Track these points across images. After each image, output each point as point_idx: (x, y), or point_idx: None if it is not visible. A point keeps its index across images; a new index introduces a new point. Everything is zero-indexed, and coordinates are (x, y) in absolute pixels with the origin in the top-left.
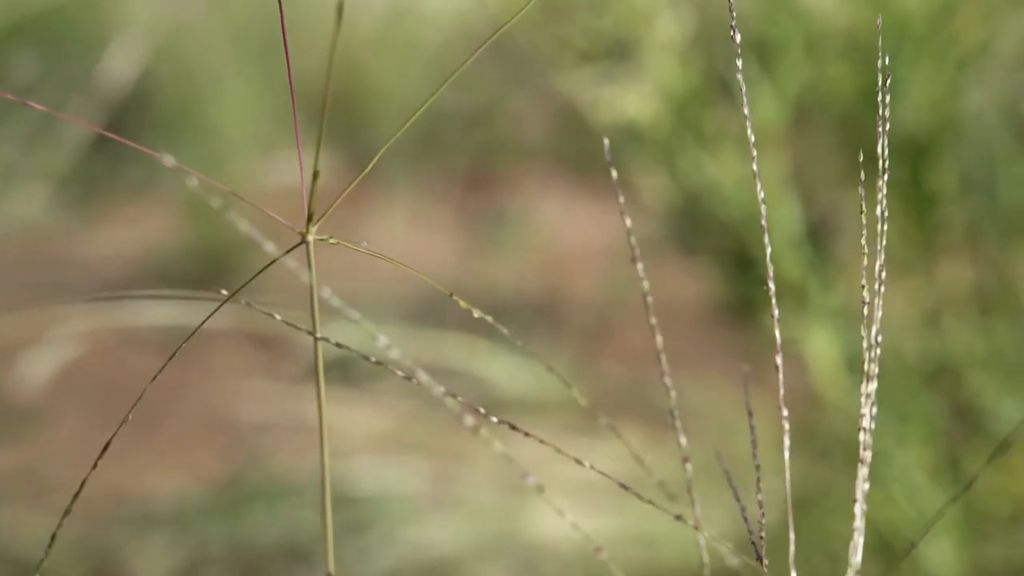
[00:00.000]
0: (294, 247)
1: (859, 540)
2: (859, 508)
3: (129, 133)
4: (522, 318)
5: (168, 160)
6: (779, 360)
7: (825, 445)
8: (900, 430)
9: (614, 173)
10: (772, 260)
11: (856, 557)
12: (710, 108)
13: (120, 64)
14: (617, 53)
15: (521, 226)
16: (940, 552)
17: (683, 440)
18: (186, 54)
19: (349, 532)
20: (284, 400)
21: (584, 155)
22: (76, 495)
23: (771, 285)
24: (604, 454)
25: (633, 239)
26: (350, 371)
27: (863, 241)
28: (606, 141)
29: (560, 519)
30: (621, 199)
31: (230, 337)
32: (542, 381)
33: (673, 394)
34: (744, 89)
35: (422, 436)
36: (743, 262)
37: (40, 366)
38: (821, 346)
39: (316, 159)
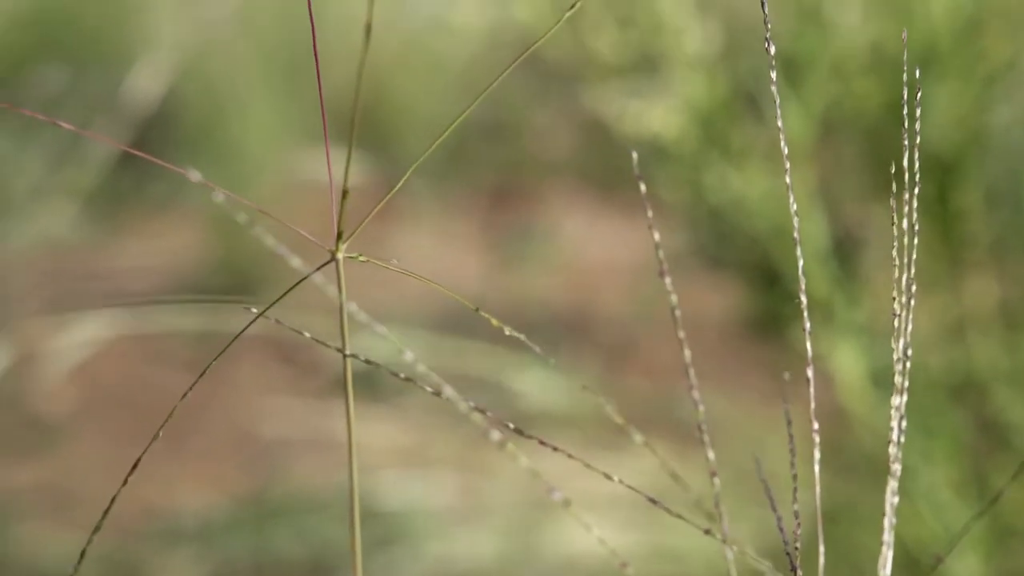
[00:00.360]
0: (323, 264)
1: (888, 554)
2: (888, 522)
3: (155, 150)
4: (549, 332)
5: (194, 175)
6: (810, 373)
7: (851, 459)
8: (926, 445)
9: (643, 187)
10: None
11: (885, 571)
12: (736, 122)
13: (146, 81)
14: (644, 67)
15: (547, 241)
16: (966, 567)
17: (711, 454)
18: (213, 72)
19: (375, 546)
20: (310, 415)
21: (610, 170)
22: (105, 513)
23: (803, 298)
24: (632, 468)
25: (661, 253)
26: (376, 385)
27: (894, 253)
28: (634, 155)
29: (586, 533)
30: (650, 213)
31: (256, 351)
32: (570, 394)
33: (701, 408)
34: (778, 102)
35: (448, 450)
36: (769, 276)
37: (60, 366)
38: (847, 361)
39: (345, 178)
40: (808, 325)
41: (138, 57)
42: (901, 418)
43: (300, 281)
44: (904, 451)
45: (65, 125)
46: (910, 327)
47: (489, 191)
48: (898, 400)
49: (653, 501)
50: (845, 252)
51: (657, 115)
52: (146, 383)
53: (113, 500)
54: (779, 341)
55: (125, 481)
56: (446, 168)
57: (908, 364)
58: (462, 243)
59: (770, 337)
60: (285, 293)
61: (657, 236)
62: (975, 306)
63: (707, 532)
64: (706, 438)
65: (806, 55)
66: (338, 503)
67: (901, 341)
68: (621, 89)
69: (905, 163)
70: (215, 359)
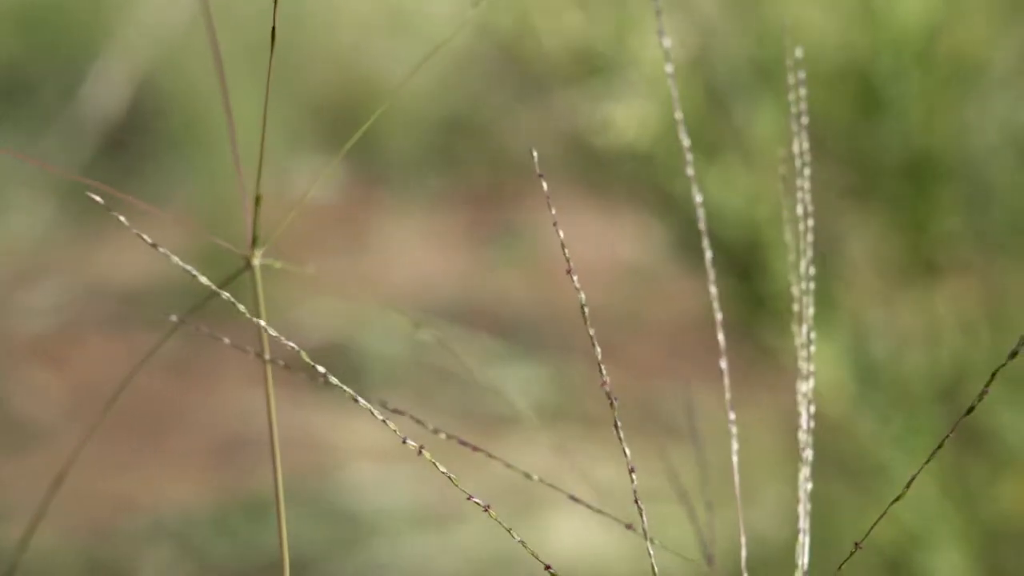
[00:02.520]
0: (239, 272)
1: (805, 541)
2: (803, 508)
3: (138, 146)
4: (532, 330)
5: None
6: (726, 381)
7: (828, 461)
8: (908, 443)
9: (550, 204)
10: (774, 276)
11: (803, 559)
12: (709, 126)
13: (119, 77)
14: (618, 71)
15: (531, 240)
16: (952, 570)
17: (627, 450)
18: (196, 67)
19: (353, 545)
20: (291, 413)
21: (593, 171)
22: (35, 525)
23: (719, 316)
24: (612, 463)
25: (567, 251)
26: (359, 381)
27: (787, 238)
28: (536, 166)
29: (570, 532)
30: (559, 229)
31: (238, 349)
32: (551, 389)
33: (616, 403)
34: (681, 118)
35: (430, 447)
36: (745, 277)
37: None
38: (821, 363)
39: (257, 184)
40: (721, 339)
41: (117, 51)
42: (809, 403)
43: (211, 295)
44: (883, 449)
45: (15, 154)
46: (811, 310)
47: (474, 190)
48: (805, 386)
49: (574, 498)
50: (822, 253)
51: (630, 119)
52: (131, 387)
53: (43, 509)
54: (760, 341)
55: (56, 490)
56: (431, 166)
57: (812, 349)
58: (447, 241)
59: (750, 337)
60: (200, 304)
61: (562, 234)
62: (954, 303)
63: (628, 527)
64: (621, 434)
65: (774, 58)
66: (318, 500)
67: (804, 327)
68: (594, 92)
69: (795, 149)
70: (137, 368)
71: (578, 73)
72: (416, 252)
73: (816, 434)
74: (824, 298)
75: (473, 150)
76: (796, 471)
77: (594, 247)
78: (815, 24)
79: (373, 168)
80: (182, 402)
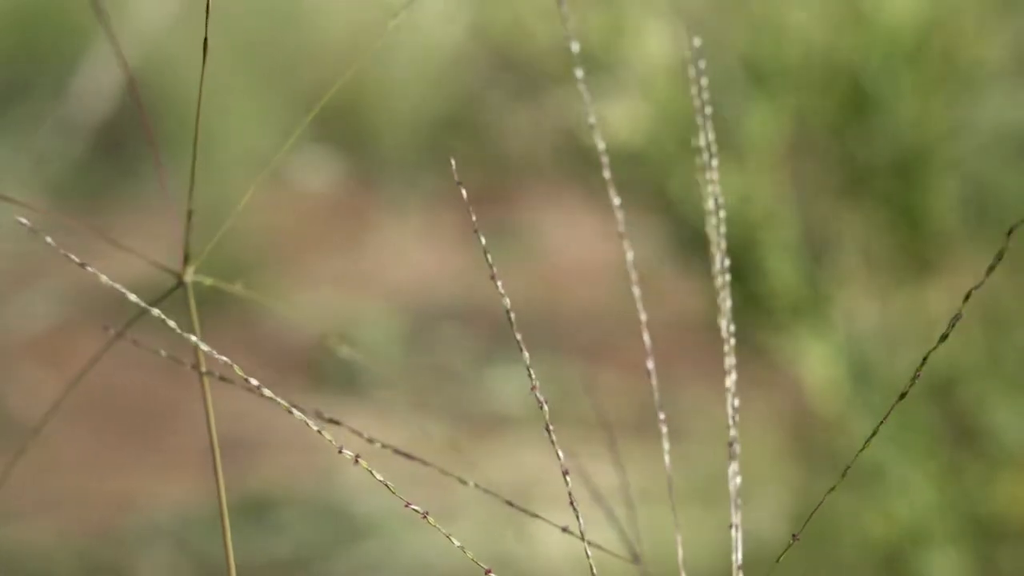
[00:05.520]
0: (172, 290)
1: (737, 536)
2: (733, 504)
3: (132, 144)
4: (528, 330)
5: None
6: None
7: (823, 460)
8: (901, 441)
9: (465, 196)
10: (766, 276)
11: (737, 555)
12: (701, 127)
13: (108, 74)
14: (610, 70)
15: (527, 240)
16: (948, 569)
17: (562, 455)
18: (192, 68)
19: (350, 545)
20: (287, 415)
21: (588, 170)
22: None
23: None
24: (609, 462)
25: (490, 257)
26: (355, 380)
27: (709, 231)
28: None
29: (562, 532)
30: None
31: (234, 352)
32: (547, 389)
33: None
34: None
35: (422, 449)
36: (740, 278)
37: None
38: (816, 363)
39: (189, 199)
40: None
41: (109, 50)
42: (733, 396)
43: (141, 313)
44: (878, 448)
45: None
46: (729, 303)
47: (470, 190)
48: (729, 381)
49: (509, 503)
50: (815, 252)
51: (623, 119)
52: (121, 383)
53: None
54: (753, 340)
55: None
56: (427, 166)
57: (733, 342)
58: (442, 240)
59: (745, 338)
60: (131, 321)
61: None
62: (947, 302)
63: (564, 530)
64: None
65: (765, 60)
66: (314, 501)
67: (724, 321)
68: (588, 93)
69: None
70: (71, 386)
71: (571, 73)
72: (412, 251)
73: (811, 432)
74: (818, 296)
75: (468, 149)
76: (790, 470)
77: (590, 246)
78: (805, 25)
79: (369, 167)
80: (177, 403)
